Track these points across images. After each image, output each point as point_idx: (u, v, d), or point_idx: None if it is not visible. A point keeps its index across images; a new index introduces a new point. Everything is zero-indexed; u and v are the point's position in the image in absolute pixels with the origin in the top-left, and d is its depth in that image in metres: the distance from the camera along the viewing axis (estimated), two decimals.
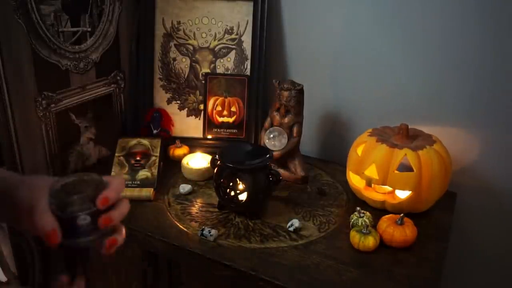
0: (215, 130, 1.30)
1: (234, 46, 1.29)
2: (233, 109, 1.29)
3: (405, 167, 0.99)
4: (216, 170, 1.01)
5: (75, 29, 1.09)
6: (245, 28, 1.28)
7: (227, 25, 1.28)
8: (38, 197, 0.50)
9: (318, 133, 1.34)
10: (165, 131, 1.27)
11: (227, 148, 1.05)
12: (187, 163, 1.16)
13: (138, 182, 1.08)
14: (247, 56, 1.29)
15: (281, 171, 1.14)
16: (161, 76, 1.31)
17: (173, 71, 1.31)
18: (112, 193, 0.51)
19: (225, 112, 1.29)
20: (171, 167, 1.19)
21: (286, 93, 1.11)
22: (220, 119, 1.30)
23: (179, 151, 1.24)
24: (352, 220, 0.96)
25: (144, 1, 1.27)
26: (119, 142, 1.17)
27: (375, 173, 1.01)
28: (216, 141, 1.30)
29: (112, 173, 1.10)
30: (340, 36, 1.21)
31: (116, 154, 1.14)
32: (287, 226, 0.97)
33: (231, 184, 0.97)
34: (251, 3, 1.26)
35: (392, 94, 1.19)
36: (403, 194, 1.02)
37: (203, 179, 1.15)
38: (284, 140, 1.15)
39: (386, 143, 1.02)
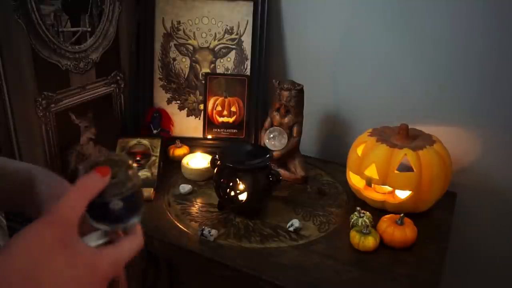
0: (215, 130, 1.30)
1: (234, 46, 1.29)
2: (233, 109, 1.29)
3: (405, 167, 0.99)
4: (216, 170, 1.01)
5: (75, 29, 1.09)
6: (245, 28, 1.28)
7: (227, 25, 1.28)
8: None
9: (318, 133, 1.34)
10: (165, 131, 1.27)
11: (227, 148, 1.05)
12: (187, 163, 1.16)
13: None
14: (247, 56, 1.29)
15: (281, 171, 1.14)
16: (161, 76, 1.31)
17: (173, 71, 1.31)
18: None
19: (225, 112, 1.29)
20: (171, 167, 1.19)
21: (286, 93, 1.11)
22: (220, 119, 1.30)
23: (179, 151, 1.24)
24: (352, 220, 0.96)
25: (144, 1, 1.27)
26: (119, 142, 1.17)
27: (375, 173, 1.01)
28: (216, 141, 1.30)
29: None
30: (340, 35, 1.21)
31: None
32: (287, 226, 0.97)
33: (231, 184, 0.97)
34: (251, 3, 1.26)
35: (392, 94, 1.19)
36: (403, 194, 1.02)
37: (203, 179, 1.15)
38: (284, 140, 1.14)
39: (386, 143, 1.02)
